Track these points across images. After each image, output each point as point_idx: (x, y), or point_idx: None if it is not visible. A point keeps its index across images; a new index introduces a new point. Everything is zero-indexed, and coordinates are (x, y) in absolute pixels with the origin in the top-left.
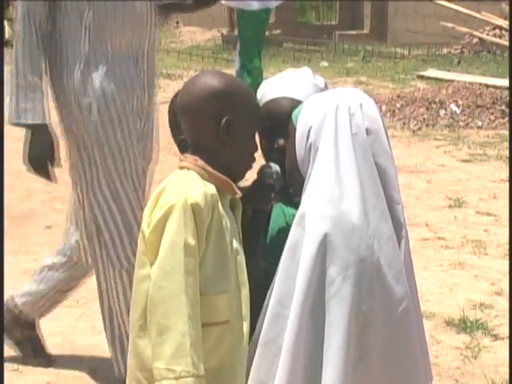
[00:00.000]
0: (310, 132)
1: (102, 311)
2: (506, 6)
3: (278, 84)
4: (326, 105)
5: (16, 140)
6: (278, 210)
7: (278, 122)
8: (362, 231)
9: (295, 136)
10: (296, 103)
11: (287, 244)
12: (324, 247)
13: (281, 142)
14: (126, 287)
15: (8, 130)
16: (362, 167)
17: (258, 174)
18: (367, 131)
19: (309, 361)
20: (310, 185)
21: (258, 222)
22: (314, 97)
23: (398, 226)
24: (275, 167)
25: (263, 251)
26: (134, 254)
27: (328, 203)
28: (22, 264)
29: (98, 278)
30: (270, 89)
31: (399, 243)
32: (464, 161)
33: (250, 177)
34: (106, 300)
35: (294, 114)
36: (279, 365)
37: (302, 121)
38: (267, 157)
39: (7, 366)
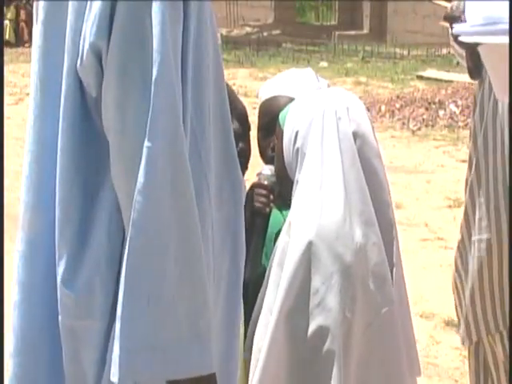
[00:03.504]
0: (297, 137)
1: None
2: None
3: (278, 82)
4: (313, 109)
5: (16, 140)
6: (277, 213)
7: (274, 120)
8: (346, 238)
9: (282, 139)
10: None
11: (276, 252)
12: (308, 255)
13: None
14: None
15: (8, 129)
16: (348, 172)
17: (256, 176)
18: (355, 135)
19: (283, 364)
20: (297, 193)
21: (257, 225)
22: (301, 99)
23: (389, 227)
24: (273, 170)
25: (263, 254)
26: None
27: (312, 211)
28: None
29: None
30: (270, 86)
31: (391, 244)
32: (463, 161)
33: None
34: None
35: (280, 116)
36: (256, 369)
37: (289, 125)
38: (263, 154)
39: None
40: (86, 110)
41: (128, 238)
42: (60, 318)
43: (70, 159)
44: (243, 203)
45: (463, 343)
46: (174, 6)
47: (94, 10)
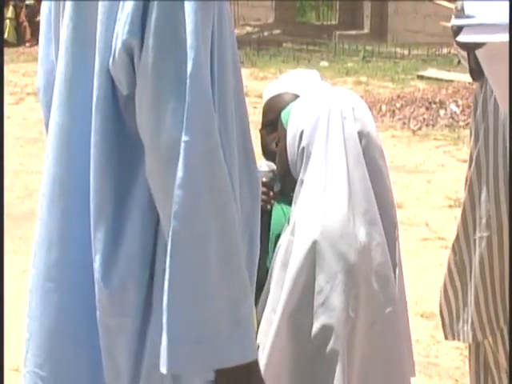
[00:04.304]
0: (302, 136)
1: None
2: None
3: (283, 80)
4: (318, 108)
5: (17, 139)
6: (279, 211)
7: (279, 116)
8: (350, 238)
9: (286, 138)
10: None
11: (279, 252)
12: (312, 254)
13: None
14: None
15: (8, 129)
16: (352, 172)
17: None
18: (360, 135)
19: (286, 363)
20: (302, 193)
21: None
22: (305, 99)
23: (391, 226)
24: (271, 166)
25: (266, 251)
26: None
27: (317, 211)
28: (22, 264)
29: None
30: (275, 85)
31: (394, 243)
32: (464, 161)
33: None
34: None
35: (283, 115)
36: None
37: (293, 124)
38: (266, 151)
39: (7, 365)
40: (118, 108)
41: (170, 232)
42: (98, 313)
43: (102, 156)
44: (259, 201)
45: (459, 339)
46: (206, 6)
47: (127, 10)
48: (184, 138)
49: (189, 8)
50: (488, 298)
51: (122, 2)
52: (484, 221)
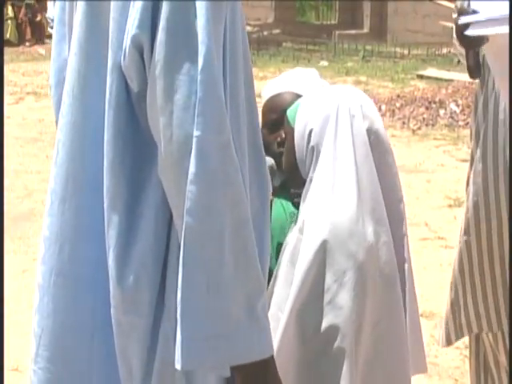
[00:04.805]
0: (310, 135)
1: None
2: None
3: (283, 79)
4: (327, 107)
5: (16, 139)
6: (279, 207)
7: (280, 116)
8: (359, 236)
9: (293, 137)
10: (299, 98)
11: (287, 250)
12: (321, 253)
13: (283, 135)
14: None
15: (8, 129)
16: (361, 170)
17: None
18: (368, 132)
19: (293, 362)
20: (310, 191)
21: None
22: (312, 96)
23: (400, 223)
24: (269, 161)
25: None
26: None
27: (326, 209)
28: (21, 264)
29: None
30: (275, 84)
31: (402, 240)
32: (463, 160)
33: None
34: None
35: (289, 113)
36: None
37: (301, 122)
38: (268, 150)
39: (7, 365)
40: (131, 106)
41: (183, 227)
42: (112, 310)
43: (116, 154)
44: (269, 200)
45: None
46: (218, 5)
47: (137, 5)
48: (196, 133)
49: (200, 5)
50: (487, 296)
51: (133, 1)
52: (483, 221)
